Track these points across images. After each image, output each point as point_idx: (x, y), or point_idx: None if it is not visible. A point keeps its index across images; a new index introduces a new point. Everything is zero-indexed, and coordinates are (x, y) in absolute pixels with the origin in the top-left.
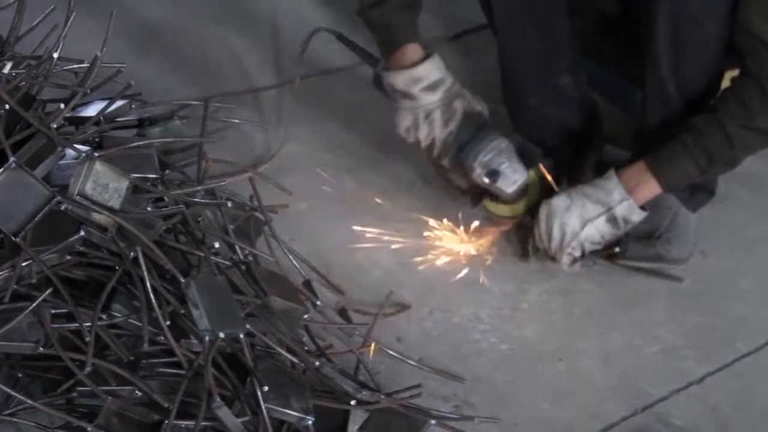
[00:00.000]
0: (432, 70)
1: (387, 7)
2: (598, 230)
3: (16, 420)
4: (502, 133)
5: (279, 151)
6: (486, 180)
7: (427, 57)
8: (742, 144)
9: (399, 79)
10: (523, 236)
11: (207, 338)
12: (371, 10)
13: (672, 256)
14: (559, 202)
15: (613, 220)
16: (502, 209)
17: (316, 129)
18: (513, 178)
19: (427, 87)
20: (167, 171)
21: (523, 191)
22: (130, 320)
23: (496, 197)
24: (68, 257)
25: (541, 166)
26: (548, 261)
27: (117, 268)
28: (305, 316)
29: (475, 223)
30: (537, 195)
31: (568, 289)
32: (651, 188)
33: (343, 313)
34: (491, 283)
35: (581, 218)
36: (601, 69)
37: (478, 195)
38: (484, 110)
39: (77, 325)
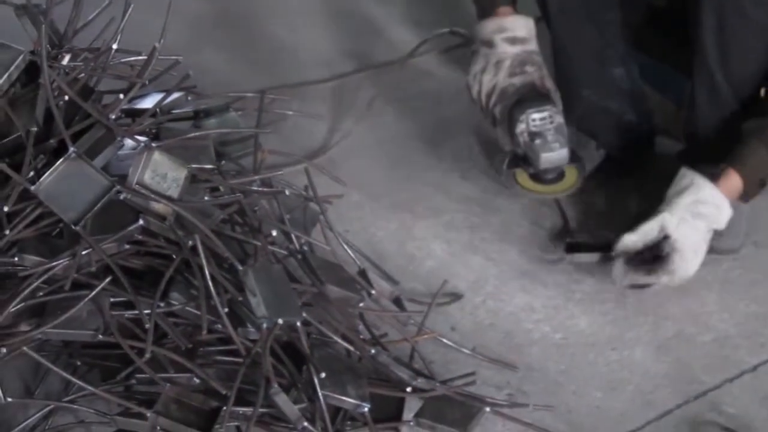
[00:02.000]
0: (519, 25)
1: None
2: None
3: (75, 407)
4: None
5: (338, 143)
6: (526, 139)
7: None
8: None
9: (485, 27)
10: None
11: (264, 326)
12: None
13: (724, 247)
14: (703, 243)
15: None
16: (529, 183)
17: (369, 121)
18: (552, 147)
19: (508, 38)
20: (223, 162)
21: (558, 174)
22: (187, 308)
23: (528, 170)
24: (127, 246)
25: (578, 170)
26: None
27: (175, 256)
28: (360, 305)
29: None
30: (568, 190)
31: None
32: (741, 196)
33: (397, 302)
34: (544, 273)
35: (702, 260)
36: (652, 61)
37: (514, 161)
38: (555, 94)
39: (136, 313)
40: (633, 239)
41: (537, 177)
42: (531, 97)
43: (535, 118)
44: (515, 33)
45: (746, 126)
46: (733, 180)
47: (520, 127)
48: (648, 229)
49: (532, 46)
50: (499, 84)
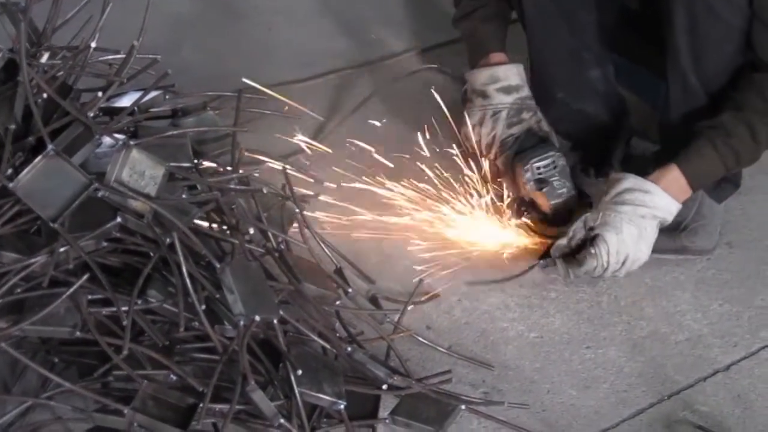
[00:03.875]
0: (512, 74)
1: (472, 20)
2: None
3: (52, 403)
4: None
5: (315, 142)
6: (533, 187)
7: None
8: (767, 140)
9: (478, 77)
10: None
11: (242, 323)
12: (460, 22)
13: (697, 247)
14: (628, 235)
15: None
16: (541, 227)
17: (348, 120)
18: (560, 193)
19: (502, 88)
20: (200, 160)
21: (566, 214)
22: (165, 305)
23: (538, 215)
24: (105, 243)
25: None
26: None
27: (153, 254)
28: (337, 303)
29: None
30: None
31: (595, 279)
32: (685, 191)
33: (374, 300)
34: (520, 272)
35: (647, 245)
36: (628, 63)
37: (521, 208)
38: (552, 135)
39: (114, 310)
40: (563, 243)
41: (548, 220)
42: (531, 144)
43: (539, 166)
44: (509, 82)
45: (699, 125)
46: (672, 173)
47: (526, 176)
48: (575, 229)
49: (526, 91)
50: (498, 136)
